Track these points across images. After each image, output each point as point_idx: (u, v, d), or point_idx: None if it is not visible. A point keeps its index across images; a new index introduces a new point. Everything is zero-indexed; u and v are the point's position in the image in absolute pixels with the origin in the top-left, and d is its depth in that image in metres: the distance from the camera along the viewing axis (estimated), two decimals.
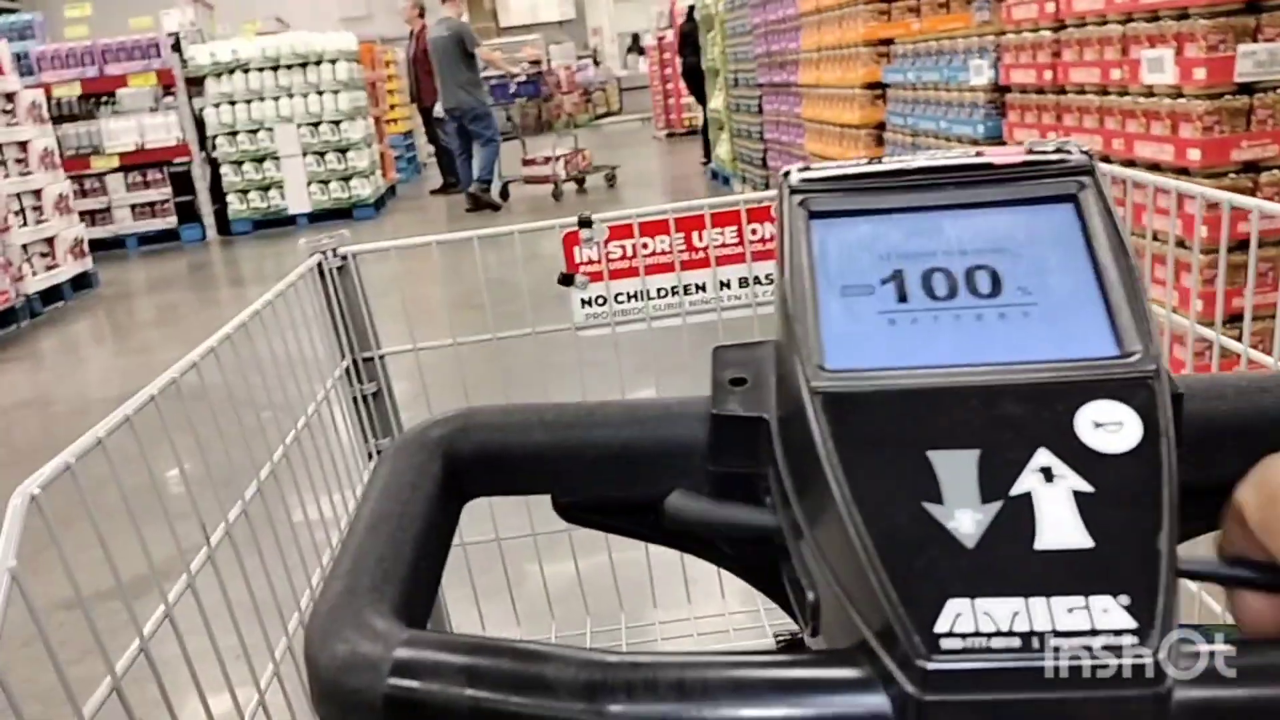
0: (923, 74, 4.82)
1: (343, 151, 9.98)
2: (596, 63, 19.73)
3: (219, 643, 0.89)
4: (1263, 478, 0.35)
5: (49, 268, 7.36)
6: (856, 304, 0.39)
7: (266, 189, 9.93)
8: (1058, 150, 0.42)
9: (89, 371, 6.03)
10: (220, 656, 0.88)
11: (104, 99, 9.86)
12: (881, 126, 5.54)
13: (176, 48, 9.67)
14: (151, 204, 9.68)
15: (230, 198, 9.94)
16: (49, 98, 9.23)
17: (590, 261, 1.50)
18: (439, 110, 9.93)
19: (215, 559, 0.91)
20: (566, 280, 1.50)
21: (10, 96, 7.38)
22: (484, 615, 1.56)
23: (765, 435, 0.43)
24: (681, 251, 1.49)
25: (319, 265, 1.43)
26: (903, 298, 0.39)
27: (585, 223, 1.47)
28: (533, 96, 10.67)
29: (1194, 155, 2.87)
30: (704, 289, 1.51)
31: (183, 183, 9.73)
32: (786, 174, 0.42)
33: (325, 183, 10.02)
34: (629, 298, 1.50)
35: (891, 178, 0.41)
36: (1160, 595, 0.31)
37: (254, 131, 9.86)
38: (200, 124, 9.84)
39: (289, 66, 9.88)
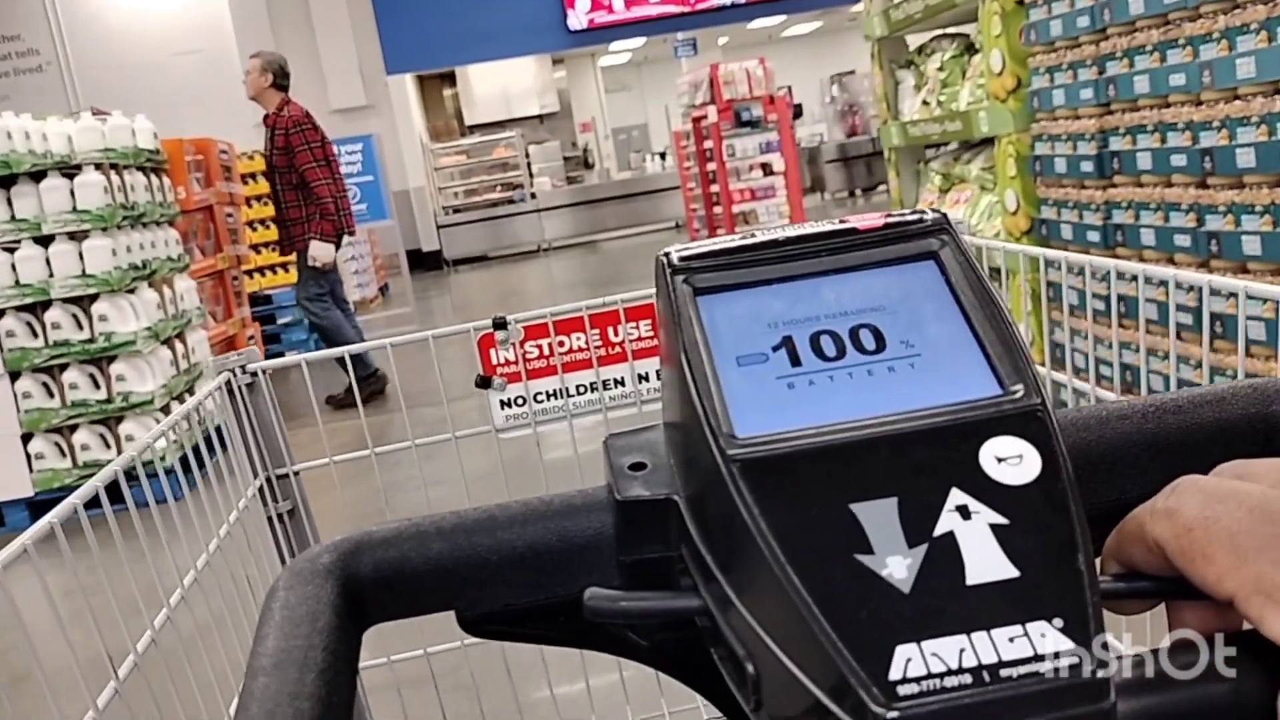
0: None
1: (99, 363, 4.62)
2: (588, 165, 15.84)
3: None
4: (1173, 507, 0.37)
5: None
6: (753, 373, 0.41)
7: None
8: (915, 215, 0.45)
9: None
10: None
11: None
12: None
13: None
14: None
15: None
16: None
17: (508, 362, 1.49)
18: (318, 252, 5.79)
19: (123, 692, 0.85)
20: (484, 383, 1.48)
21: None
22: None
23: (675, 516, 0.43)
24: (598, 347, 1.50)
25: (228, 383, 1.40)
26: (795, 362, 0.41)
27: (500, 324, 1.47)
28: None
29: None
30: (623, 383, 1.51)
31: None
32: (667, 254, 0.44)
33: (65, 430, 4.63)
34: (548, 396, 1.49)
35: (766, 249, 0.44)
36: (1090, 613, 0.33)
37: None
38: None
39: None
